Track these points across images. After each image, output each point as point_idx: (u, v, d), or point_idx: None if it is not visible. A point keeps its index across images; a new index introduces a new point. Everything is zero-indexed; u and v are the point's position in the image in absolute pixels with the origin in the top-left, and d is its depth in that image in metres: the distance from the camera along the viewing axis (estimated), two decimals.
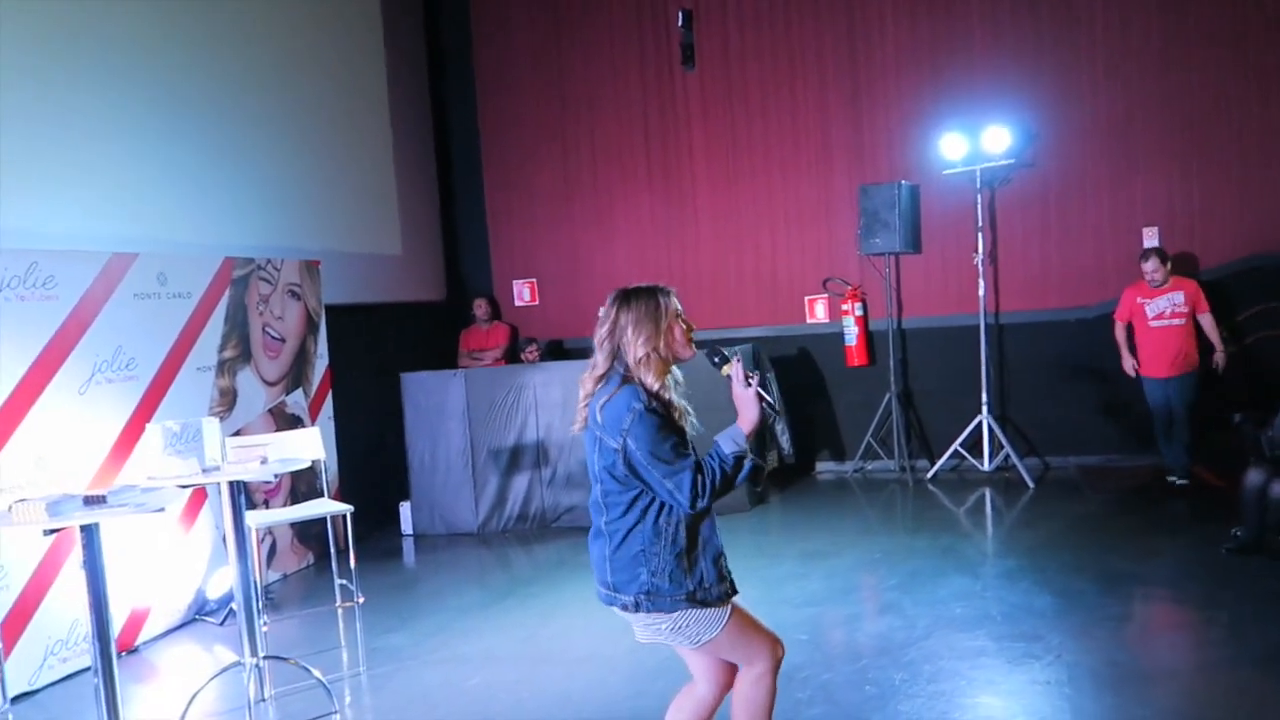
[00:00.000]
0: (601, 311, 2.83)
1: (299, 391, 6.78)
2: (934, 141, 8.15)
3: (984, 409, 8.03)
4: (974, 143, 7.94)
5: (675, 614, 2.73)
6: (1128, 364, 7.26)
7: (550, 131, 9.35)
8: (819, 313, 8.77)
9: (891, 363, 8.37)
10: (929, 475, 8.18)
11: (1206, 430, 7.08)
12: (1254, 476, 5.35)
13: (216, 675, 4.52)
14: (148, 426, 4.68)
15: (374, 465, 7.78)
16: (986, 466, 8.07)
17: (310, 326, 6.95)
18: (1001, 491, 7.62)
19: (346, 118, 8.22)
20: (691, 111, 8.99)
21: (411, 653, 4.94)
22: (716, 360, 2.88)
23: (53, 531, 3.41)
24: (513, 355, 8.91)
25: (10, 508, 3.39)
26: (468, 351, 8.94)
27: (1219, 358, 7.07)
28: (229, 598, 5.38)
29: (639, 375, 2.74)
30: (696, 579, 2.74)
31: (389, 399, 7.70)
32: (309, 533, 6.74)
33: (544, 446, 7.41)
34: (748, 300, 8.92)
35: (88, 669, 4.66)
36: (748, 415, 2.74)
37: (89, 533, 3.44)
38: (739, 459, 2.69)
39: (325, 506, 5.24)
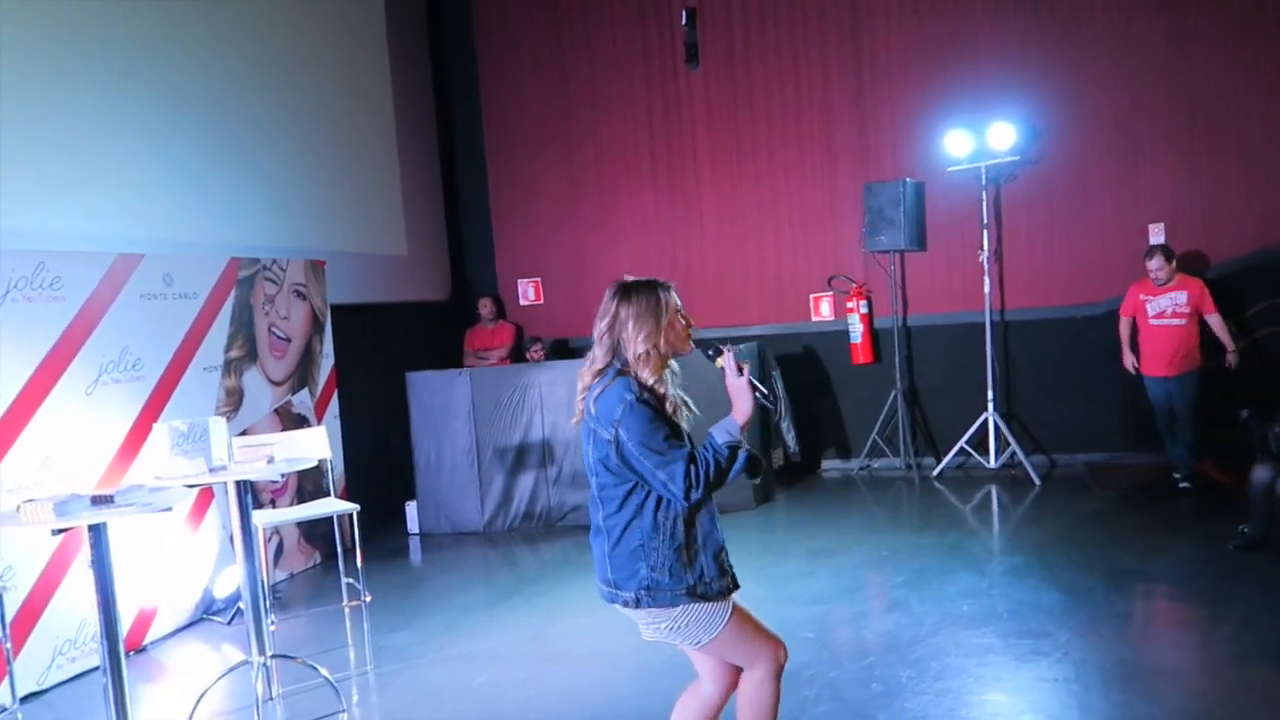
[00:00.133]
0: (601, 304, 2.82)
1: (305, 391, 6.79)
2: (939, 139, 8.13)
3: (990, 406, 8.02)
4: (979, 140, 7.92)
5: (676, 610, 2.72)
6: (1126, 360, 7.25)
7: (554, 131, 9.35)
8: (824, 310, 8.76)
9: (897, 360, 8.36)
10: (935, 473, 8.17)
11: (1213, 427, 7.04)
12: (1261, 473, 5.33)
13: (224, 674, 4.54)
14: (154, 426, 4.68)
15: (380, 464, 7.79)
16: (993, 464, 8.06)
17: (316, 326, 6.97)
18: (1008, 489, 7.61)
19: (351, 118, 8.23)
20: (696, 113, 8.99)
21: (418, 651, 4.95)
22: (710, 353, 2.88)
23: (61, 531, 3.42)
24: (518, 354, 8.92)
25: (18, 508, 3.40)
26: (473, 351, 8.94)
27: (1230, 357, 7.02)
28: (236, 597, 5.39)
29: (636, 370, 2.74)
30: (696, 573, 2.73)
31: (394, 398, 7.71)
32: (316, 532, 6.76)
33: (549, 445, 7.41)
34: (752, 298, 8.91)
35: (96, 668, 4.71)
36: (741, 406, 2.74)
37: (97, 532, 3.45)
38: (733, 449, 2.68)
39: (332, 506, 5.25)
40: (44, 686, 4.73)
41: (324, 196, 7.77)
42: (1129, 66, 7.89)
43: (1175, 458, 7.14)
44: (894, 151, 8.49)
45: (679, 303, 2.83)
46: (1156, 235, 7.75)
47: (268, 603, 4.65)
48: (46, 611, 4.76)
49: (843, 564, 5.91)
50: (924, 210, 8.33)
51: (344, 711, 4.25)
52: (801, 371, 8.65)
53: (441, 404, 7.51)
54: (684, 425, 2.79)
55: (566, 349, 9.21)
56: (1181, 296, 6.99)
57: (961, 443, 8.09)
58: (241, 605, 4.50)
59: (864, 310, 8.46)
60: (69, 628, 4.86)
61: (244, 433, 5.94)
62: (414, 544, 7.42)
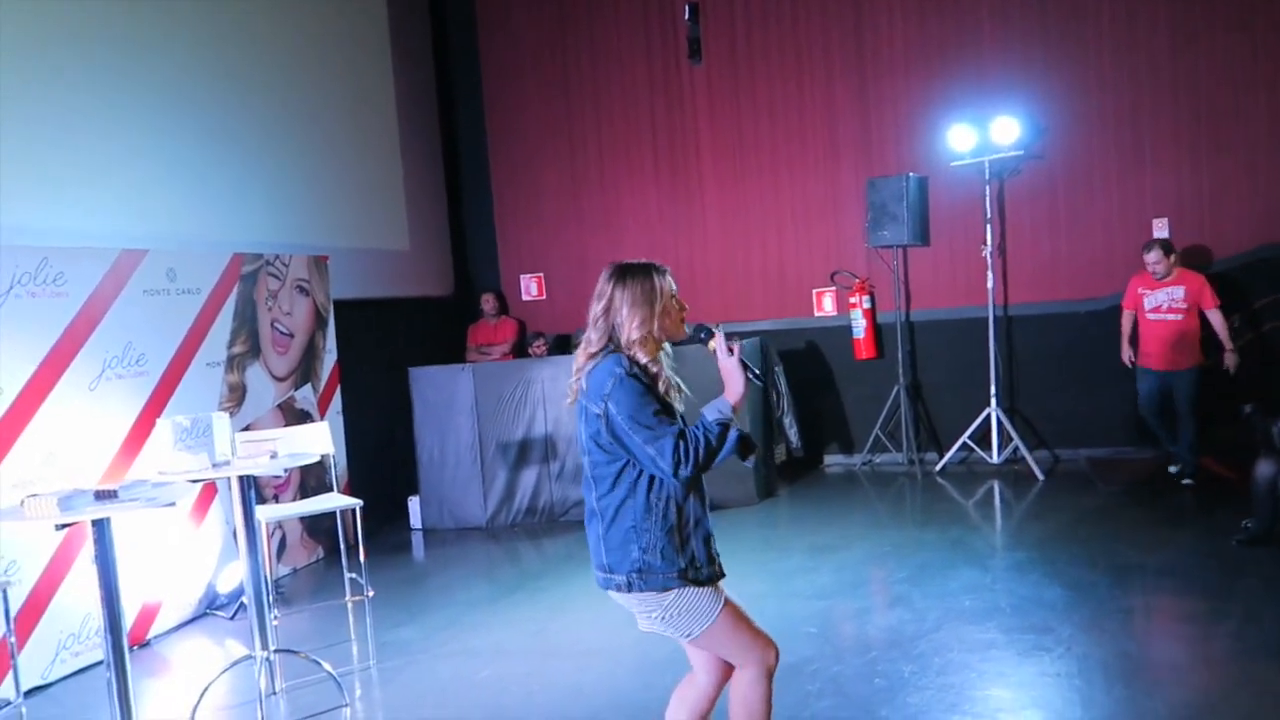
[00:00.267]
0: (597, 286, 2.82)
1: (308, 387, 6.80)
2: (942, 134, 8.12)
3: (993, 401, 8.02)
4: (982, 134, 7.91)
5: (668, 597, 2.71)
6: (1124, 354, 7.24)
7: (557, 126, 9.35)
8: (827, 306, 8.75)
9: (900, 355, 8.35)
10: (938, 468, 8.16)
11: (1216, 422, 7.03)
12: (1264, 468, 5.33)
13: (228, 669, 4.55)
14: (158, 422, 4.70)
15: (383, 460, 7.80)
16: (995, 459, 8.06)
17: (319, 322, 6.97)
18: (1011, 484, 7.61)
19: (353, 114, 8.23)
20: (698, 108, 8.98)
21: (421, 646, 4.96)
22: (702, 336, 2.88)
23: (64, 526, 3.42)
24: (520, 350, 8.92)
25: (22, 503, 3.40)
26: (475, 346, 8.95)
27: (1228, 358, 6.94)
28: (239, 592, 5.40)
29: (630, 353, 2.74)
30: (688, 557, 2.73)
31: (397, 394, 7.71)
32: (319, 527, 6.77)
33: (552, 440, 7.42)
34: (755, 294, 8.91)
35: (100, 663, 4.69)
36: (733, 386, 2.74)
37: (100, 527, 3.46)
38: (724, 426, 2.67)
39: (334, 501, 5.25)
40: (48, 681, 4.74)
41: (327, 192, 7.77)
42: (1132, 62, 7.87)
43: (1175, 451, 7.13)
44: (897, 146, 8.48)
45: (674, 287, 2.83)
46: (1160, 230, 7.73)
47: (271, 598, 4.66)
48: (50, 606, 4.77)
49: (845, 559, 5.91)
50: (927, 205, 8.32)
51: (347, 706, 4.26)
52: (804, 367, 8.65)
53: (444, 399, 7.52)
54: (677, 406, 2.79)
55: (569, 344, 9.20)
56: (1179, 291, 6.94)
57: (964, 438, 8.09)
58: (244, 600, 4.51)
59: (867, 305, 8.45)
60: (73, 622, 4.87)
61: (247, 428, 5.95)
62: (417, 539, 7.43)
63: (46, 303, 4.86)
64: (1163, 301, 6.98)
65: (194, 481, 4.25)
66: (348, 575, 5.41)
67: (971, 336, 8.20)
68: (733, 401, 2.72)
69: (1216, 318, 6.94)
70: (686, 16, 7.98)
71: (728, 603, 2.81)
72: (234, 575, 5.79)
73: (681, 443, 2.62)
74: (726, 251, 8.98)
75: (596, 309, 2.80)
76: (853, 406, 8.73)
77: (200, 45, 6.59)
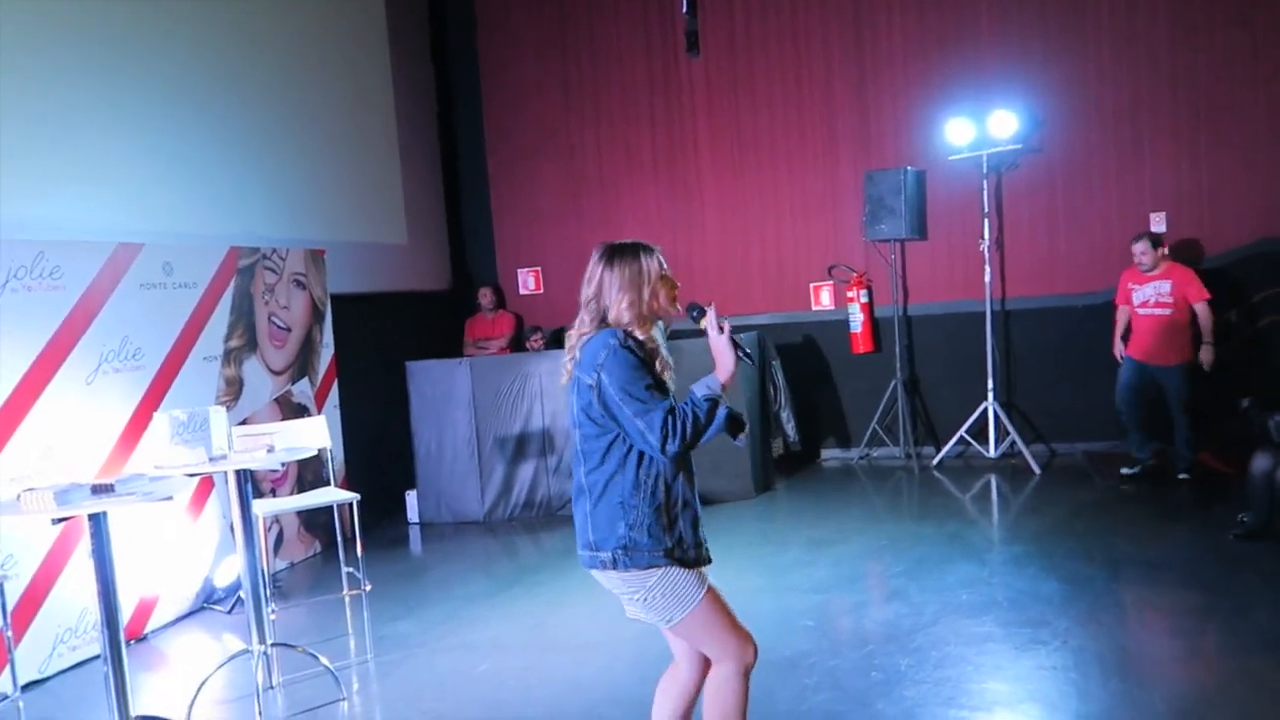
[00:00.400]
0: (588, 269, 2.81)
1: (305, 380, 6.79)
2: (940, 127, 8.11)
3: (990, 395, 8.02)
4: (980, 128, 7.90)
5: (652, 575, 2.69)
6: (1116, 349, 7.23)
7: (555, 120, 9.34)
8: (824, 300, 8.75)
9: (897, 349, 8.35)
10: (935, 462, 8.17)
11: (1214, 417, 7.03)
12: (1261, 462, 5.34)
13: (225, 663, 4.56)
14: (155, 416, 4.69)
15: (380, 454, 7.79)
16: (992, 453, 8.06)
17: (316, 316, 6.96)
18: (1008, 478, 7.62)
19: (351, 107, 8.21)
20: (697, 102, 8.97)
21: (419, 640, 4.96)
22: (694, 314, 2.87)
23: (61, 520, 3.42)
24: (518, 344, 8.92)
25: (19, 497, 3.39)
26: (473, 340, 8.94)
27: (1205, 352, 6.83)
28: (237, 586, 5.40)
29: (626, 329, 2.74)
30: (675, 537, 2.71)
31: (395, 388, 7.71)
32: (316, 521, 6.76)
33: (549, 434, 7.42)
34: (753, 288, 8.91)
35: (97, 657, 4.72)
36: (724, 364, 2.74)
37: (97, 521, 3.45)
38: (712, 403, 2.66)
39: (332, 495, 5.25)
40: (45, 675, 4.74)
41: (324, 186, 7.76)
42: (1131, 56, 7.86)
43: (1136, 450, 7.09)
44: (895, 140, 8.47)
45: (665, 266, 2.82)
46: (1158, 225, 7.73)
47: (268, 592, 4.66)
48: (48, 600, 4.77)
49: (843, 553, 5.91)
50: (925, 199, 8.31)
51: (344, 700, 4.26)
52: (802, 361, 8.65)
53: (442, 393, 7.51)
54: (671, 385, 2.78)
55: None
56: (1165, 285, 6.90)
57: (961, 432, 8.10)
58: (242, 594, 4.51)
59: (864, 299, 8.45)
60: (70, 616, 4.87)
61: (244, 422, 5.95)
62: (414, 533, 7.43)
63: (43, 296, 4.85)
64: (1150, 296, 6.96)
65: (191, 475, 4.25)
66: (345, 569, 5.41)
67: (969, 331, 8.20)
68: (723, 379, 2.72)
69: (1203, 311, 6.85)
70: (685, 9, 7.96)
71: (710, 590, 2.78)
72: (231, 569, 5.79)
73: (671, 418, 2.60)
74: (725, 246, 8.97)
75: (587, 292, 2.80)
76: (850, 400, 8.73)
77: (199, 40, 6.56)
